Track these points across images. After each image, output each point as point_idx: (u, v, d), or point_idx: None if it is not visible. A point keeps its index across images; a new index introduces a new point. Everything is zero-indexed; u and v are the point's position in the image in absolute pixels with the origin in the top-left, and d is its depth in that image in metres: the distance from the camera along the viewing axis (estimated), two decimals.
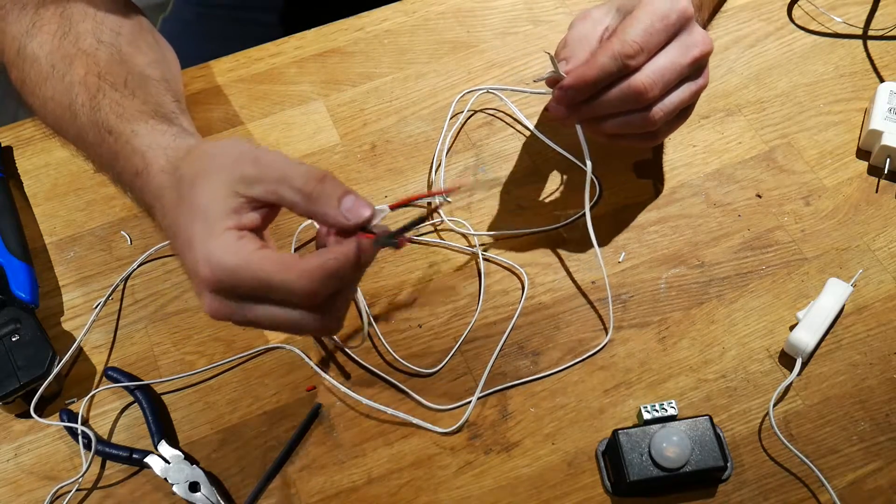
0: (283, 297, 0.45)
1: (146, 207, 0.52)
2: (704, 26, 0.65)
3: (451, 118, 0.71)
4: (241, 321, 0.47)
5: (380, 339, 0.61)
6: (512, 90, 0.73)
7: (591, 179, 0.63)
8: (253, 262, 0.44)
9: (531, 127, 0.71)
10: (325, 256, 0.45)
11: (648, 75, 0.55)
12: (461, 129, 0.71)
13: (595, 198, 0.67)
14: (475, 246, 0.65)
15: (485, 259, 0.65)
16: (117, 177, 0.53)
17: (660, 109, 0.57)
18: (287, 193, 0.45)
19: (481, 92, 0.72)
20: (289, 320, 0.46)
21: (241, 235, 0.45)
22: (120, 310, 0.63)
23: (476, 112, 0.72)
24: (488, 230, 0.66)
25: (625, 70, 0.54)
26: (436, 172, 0.69)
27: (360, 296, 0.63)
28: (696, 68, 0.58)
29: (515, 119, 0.72)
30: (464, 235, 0.66)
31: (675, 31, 0.56)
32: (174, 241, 0.48)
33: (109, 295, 0.63)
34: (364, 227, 0.46)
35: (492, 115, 0.72)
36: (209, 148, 0.48)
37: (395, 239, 0.46)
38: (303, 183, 0.45)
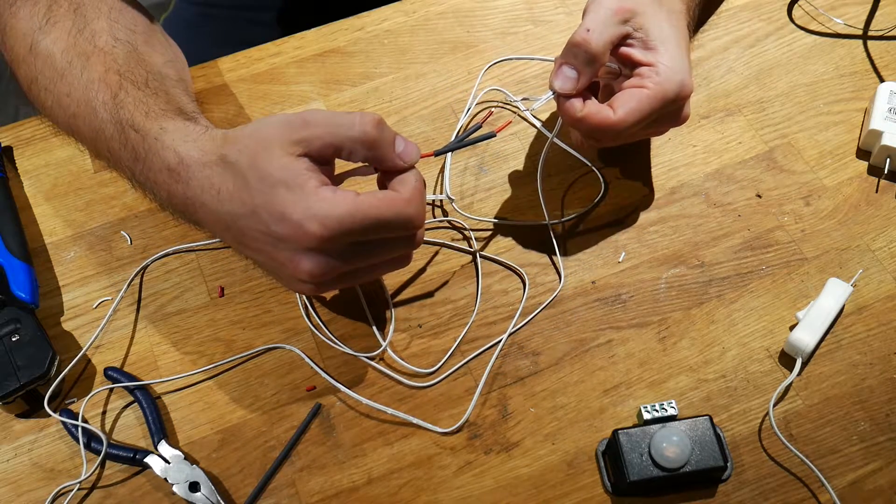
0: (396, 230, 0.49)
1: (181, 201, 0.52)
2: (695, 28, 0.65)
3: (466, 113, 0.71)
4: (345, 275, 0.51)
5: (380, 339, 0.61)
6: (530, 59, 0.74)
7: (597, 177, 0.63)
8: (362, 205, 0.47)
9: (537, 124, 0.71)
10: (411, 181, 0.50)
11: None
12: (464, 128, 0.71)
13: (599, 195, 0.67)
14: (475, 246, 0.65)
15: (485, 259, 0.65)
16: (140, 173, 0.54)
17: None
18: (347, 144, 0.49)
19: (487, 90, 0.72)
20: (394, 253, 0.52)
21: (335, 188, 0.48)
22: (138, 307, 0.63)
23: (477, 112, 0.72)
24: (489, 230, 0.66)
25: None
26: (439, 175, 0.69)
27: (362, 296, 0.63)
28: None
29: (521, 116, 0.72)
30: (461, 231, 0.66)
31: (670, 109, 0.58)
32: (249, 220, 0.49)
33: (125, 290, 0.63)
34: None
35: (497, 109, 0.72)
36: (250, 129, 0.50)
37: (451, 149, 0.57)
38: (361, 132, 0.48)
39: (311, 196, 0.47)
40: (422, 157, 0.52)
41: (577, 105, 0.56)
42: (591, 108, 0.56)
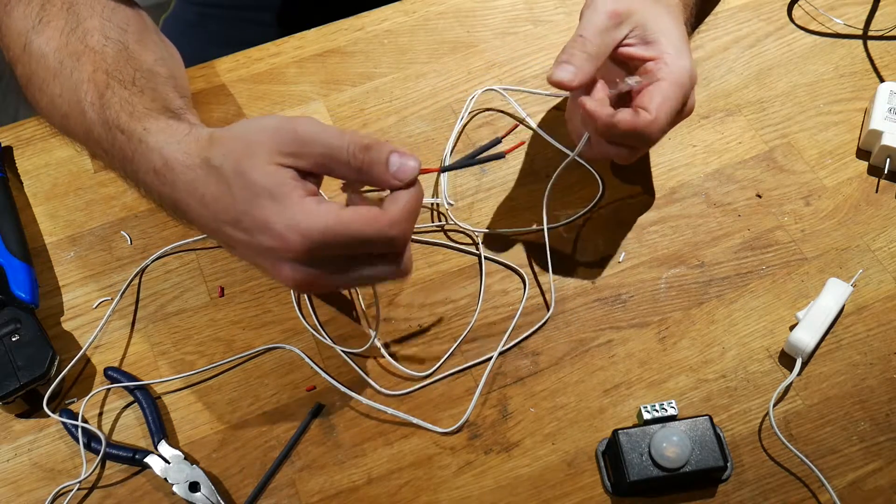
0: (377, 248, 0.48)
1: (171, 202, 0.51)
2: (692, 27, 0.65)
3: (461, 119, 0.71)
4: (326, 285, 0.49)
5: (375, 339, 0.61)
6: (523, 91, 0.73)
7: (596, 178, 0.62)
8: (344, 219, 0.46)
9: (534, 126, 0.71)
10: (402, 201, 0.47)
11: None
12: (462, 129, 0.71)
13: (599, 196, 0.67)
14: (476, 245, 0.65)
15: (485, 259, 0.65)
16: (131, 174, 0.53)
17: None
18: (336, 167, 0.47)
19: (483, 90, 0.72)
20: (376, 272, 0.49)
21: (319, 199, 0.47)
22: (137, 307, 0.63)
23: (478, 112, 0.72)
24: (489, 230, 0.66)
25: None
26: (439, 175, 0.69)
27: (360, 296, 0.63)
28: None
29: (519, 119, 0.72)
30: (465, 233, 0.66)
31: (686, 98, 0.58)
32: (232, 228, 0.48)
33: (124, 290, 0.63)
34: None
35: (494, 113, 0.72)
36: (237, 131, 0.48)
37: (455, 167, 0.54)
38: (350, 156, 0.47)
39: (295, 206, 0.46)
40: (426, 173, 0.50)
41: (608, 109, 0.55)
42: (625, 113, 0.55)
